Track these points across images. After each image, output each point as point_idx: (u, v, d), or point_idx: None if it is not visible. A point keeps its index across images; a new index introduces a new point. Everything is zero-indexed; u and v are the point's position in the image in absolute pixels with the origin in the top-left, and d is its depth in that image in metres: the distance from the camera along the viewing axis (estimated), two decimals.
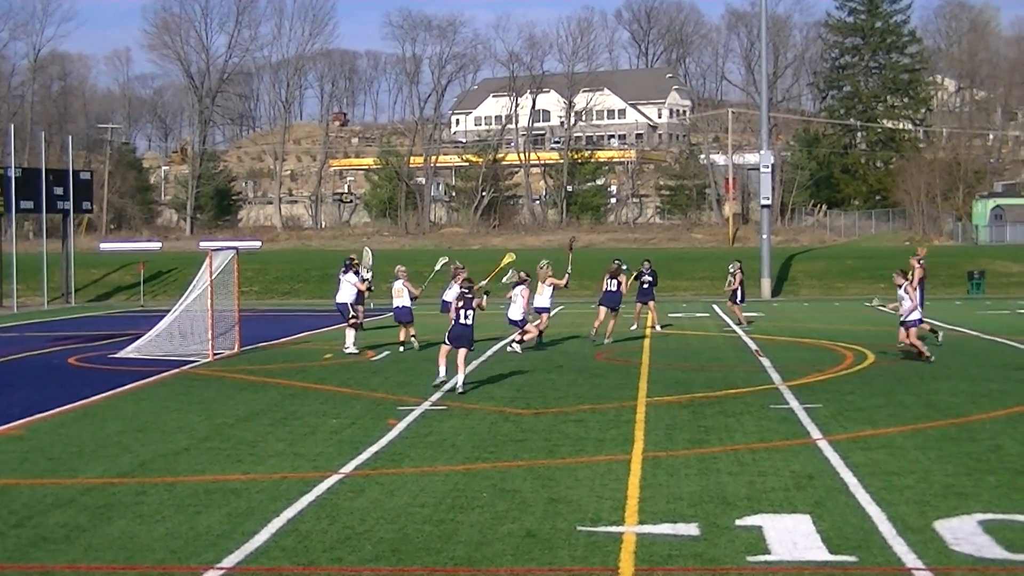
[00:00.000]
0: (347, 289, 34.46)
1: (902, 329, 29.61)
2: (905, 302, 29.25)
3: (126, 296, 71.33)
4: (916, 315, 29.33)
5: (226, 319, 34.74)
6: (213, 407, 23.40)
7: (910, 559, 12.01)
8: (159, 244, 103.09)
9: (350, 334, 34.07)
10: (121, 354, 33.46)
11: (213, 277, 33.64)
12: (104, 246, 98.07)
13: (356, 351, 33.49)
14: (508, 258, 37.69)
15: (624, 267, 37.20)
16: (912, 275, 33.54)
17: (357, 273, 34.68)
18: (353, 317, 34.30)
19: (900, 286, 29.62)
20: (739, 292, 41.30)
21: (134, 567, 12.13)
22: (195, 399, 24.61)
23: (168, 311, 36.41)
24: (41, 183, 63.84)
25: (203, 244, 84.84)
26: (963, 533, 12.96)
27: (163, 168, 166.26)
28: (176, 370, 29.68)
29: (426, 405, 23.00)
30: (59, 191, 65.71)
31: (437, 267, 36.41)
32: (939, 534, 12.93)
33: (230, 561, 12.26)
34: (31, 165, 75.35)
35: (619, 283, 36.59)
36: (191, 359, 31.78)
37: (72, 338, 40.62)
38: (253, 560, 12.34)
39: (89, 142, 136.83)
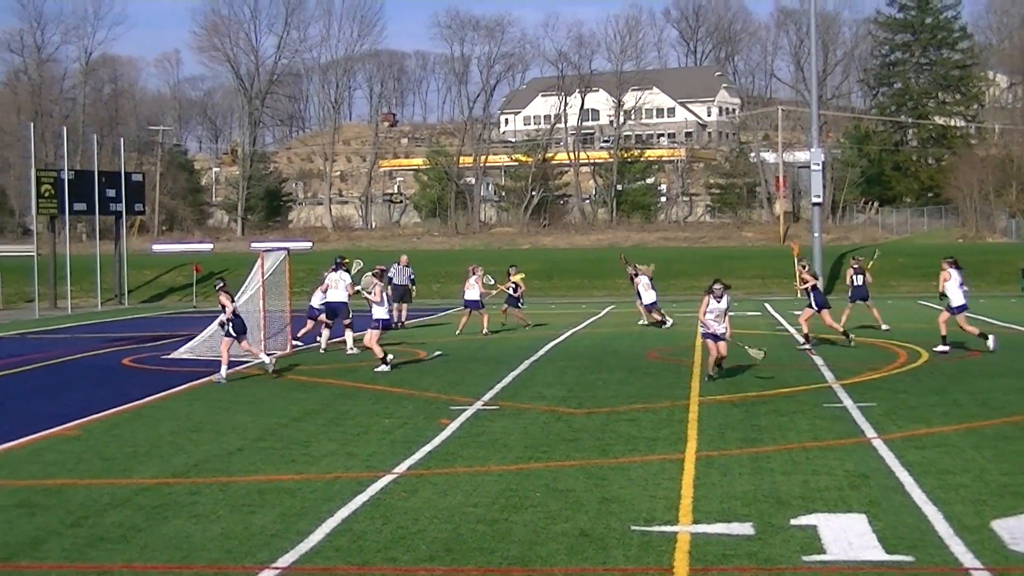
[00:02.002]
0: (343, 288, 34.38)
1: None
2: None
3: (178, 297, 71.67)
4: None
5: (278, 320, 34.85)
6: (265, 407, 23.49)
7: (967, 559, 11.93)
8: (210, 245, 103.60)
9: (349, 334, 34.42)
10: (174, 355, 33.63)
11: (265, 278, 33.73)
12: (156, 247, 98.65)
13: (356, 351, 33.70)
14: (518, 276, 39.30)
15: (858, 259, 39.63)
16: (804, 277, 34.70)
17: (349, 271, 34.65)
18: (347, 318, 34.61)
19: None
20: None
21: (189, 567, 12.18)
22: (248, 399, 24.71)
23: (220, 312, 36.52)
24: (94, 185, 64.28)
25: (254, 245, 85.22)
26: (1021, 533, 12.84)
27: (214, 169, 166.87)
28: (229, 370, 29.77)
29: (478, 405, 23.00)
30: (111, 193, 66.15)
31: (353, 270, 37.22)
32: (996, 534, 12.83)
33: (284, 561, 12.30)
34: (83, 167, 75.79)
35: (864, 276, 38.42)
36: (243, 359, 31.89)
37: (126, 339, 40.84)
38: (307, 560, 12.37)
39: (140, 144, 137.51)
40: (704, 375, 26.68)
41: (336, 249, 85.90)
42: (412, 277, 43.53)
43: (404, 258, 43.88)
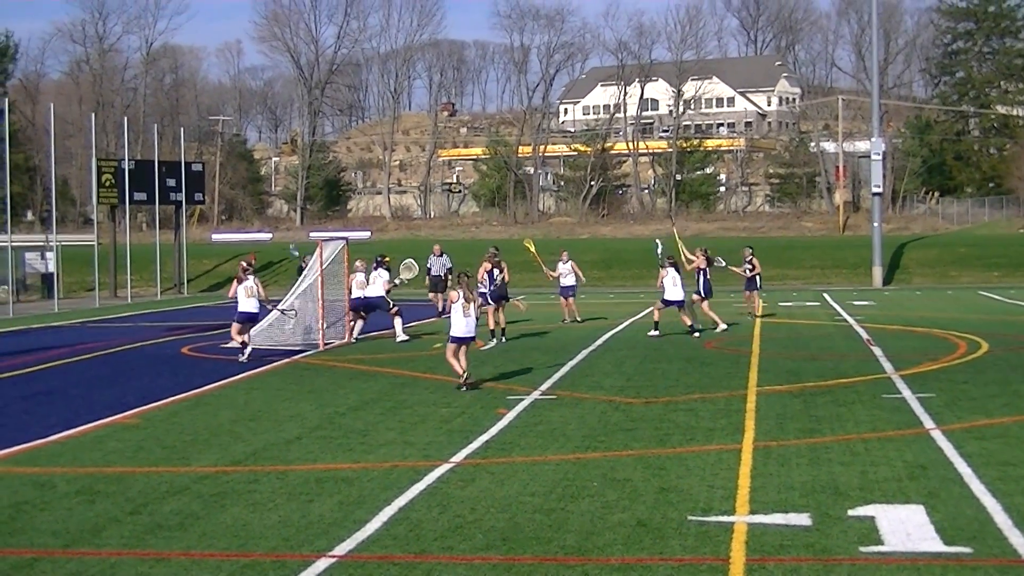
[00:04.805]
0: (380, 284, 34.81)
1: None
2: None
3: None
4: None
5: (336, 309, 34.98)
6: (324, 396, 23.57)
7: None
8: (270, 235, 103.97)
9: (398, 323, 34.62)
10: (233, 344, 33.77)
11: (324, 267, 33.88)
12: (216, 237, 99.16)
13: (407, 338, 33.98)
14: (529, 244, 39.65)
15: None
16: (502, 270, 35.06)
17: (389, 270, 35.18)
18: (395, 306, 34.82)
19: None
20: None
21: (247, 554, 12.24)
22: (306, 388, 24.81)
23: (279, 301, 36.67)
24: (154, 175, 64.75)
25: (313, 234, 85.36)
26: None
27: (273, 159, 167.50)
28: (287, 359, 29.94)
29: (536, 394, 23.00)
30: (171, 183, 66.63)
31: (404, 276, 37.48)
32: None
33: (342, 549, 12.34)
34: (144, 157, 76.44)
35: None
36: (302, 348, 32.05)
37: (185, 328, 41.08)
38: (365, 548, 12.40)
39: (200, 134, 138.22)
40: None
41: (395, 239, 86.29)
42: (449, 267, 43.69)
43: (438, 247, 44.36)
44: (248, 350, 29.90)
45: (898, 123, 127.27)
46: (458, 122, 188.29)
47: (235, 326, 30.74)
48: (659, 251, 36.17)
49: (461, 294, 23.80)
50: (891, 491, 14.38)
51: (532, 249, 39.75)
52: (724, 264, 40.45)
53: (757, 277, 39.83)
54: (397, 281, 35.67)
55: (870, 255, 66.83)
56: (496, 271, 34.01)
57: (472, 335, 23.89)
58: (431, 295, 43.23)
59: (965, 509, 13.45)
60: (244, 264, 31.49)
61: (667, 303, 34.55)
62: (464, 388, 23.61)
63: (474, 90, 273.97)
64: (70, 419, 20.96)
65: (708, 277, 36.21)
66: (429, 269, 42.07)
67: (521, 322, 37.72)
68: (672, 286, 34.30)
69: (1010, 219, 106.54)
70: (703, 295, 36.08)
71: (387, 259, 36.39)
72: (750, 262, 39.57)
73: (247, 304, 30.25)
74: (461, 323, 23.69)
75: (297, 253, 39.19)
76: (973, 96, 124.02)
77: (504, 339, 33.49)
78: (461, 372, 23.72)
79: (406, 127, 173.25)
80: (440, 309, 40.80)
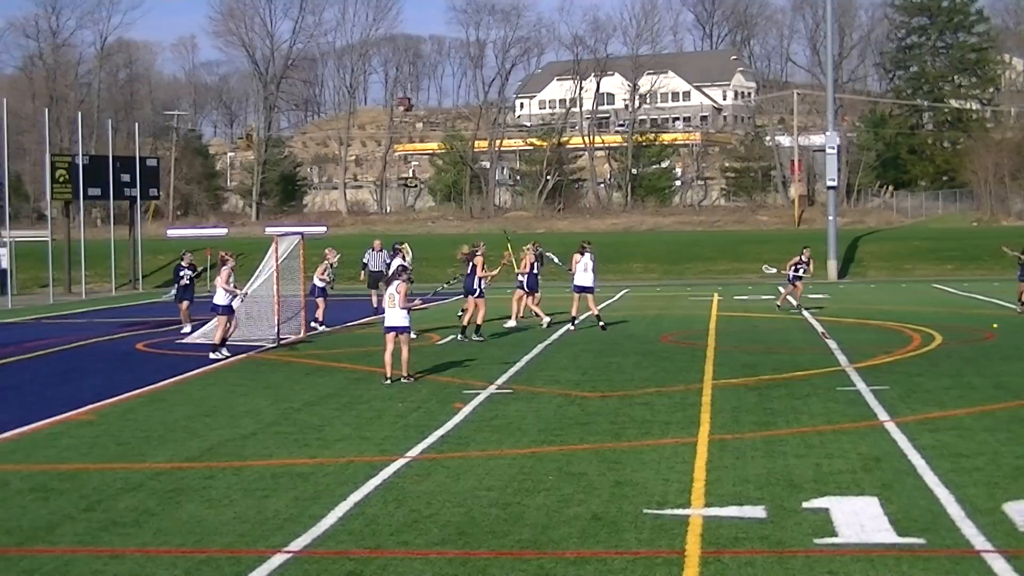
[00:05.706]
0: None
1: None
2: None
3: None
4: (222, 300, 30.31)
5: (292, 304, 34.87)
6: (280, 392, 23.52)
7: (979, 541, 11.92)
8: (225, 230, 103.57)
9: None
10: (188, 339, 33.69)
11: (279, 262, 33.77)
12: (171, 232, 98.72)
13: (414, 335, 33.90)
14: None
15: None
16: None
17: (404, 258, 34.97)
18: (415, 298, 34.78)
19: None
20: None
21: (203, 550, 12.21)
22: (262, 384, 24.74)
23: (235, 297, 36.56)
24: (109, 170, 64.34)
25: (269, 230, 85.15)
26: None
27: (229, 154, 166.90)
28: (243, 355, 29.85)
29: (492, 389, 23.03)
30: (126, 178, 66.20)
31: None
32: (1008, 516, 12.82)
33: (298, 544, 12.33)
34: (98, 152, 75.87)
35: None
36: (258, 344, 31.96)
37: (140, 324, 40.91)
38: (320, 544, 12.39)
39: (155, 129, 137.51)
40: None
41: (352, 234, 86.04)
42: (388, 262, 43.40)
43: (378, 243, 44.04)
44: (193, 337, 30.11)
45: (853, 117, 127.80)
46: (414, 117, 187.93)
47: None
48: (555, 261, 37.10)
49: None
50: (845, 483, 14.46)
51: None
52: (774, 269, 41.09)
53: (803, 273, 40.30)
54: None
55: (825, 249, 67.00)
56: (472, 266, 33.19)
57: (401, 325, 24.05)
58: (371, 292, 42.43)
59: (919, 500, 13.54)
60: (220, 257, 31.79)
61: (578, 289, 34.96)
62: (389, 382, 23.89)
63: (430, 85, 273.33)
64: (24, 416, 20.83)
65: (536, 272, 36.14)
66: (366, 264, 41.92)
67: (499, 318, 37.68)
68: (583, 272, 34.85)
69: (964, 212, 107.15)
70: (527, 289, 36.21)
71: (404, 245, 36.21)
72: (807, 261, 39.91)
73: (215, 297, 30.56)
74: (387, 313, 24.31)
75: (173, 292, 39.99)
76: (927, 90, 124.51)
77: (480, 336, 32.77)
78: (386, 364, 24.17)
79: (362, 122, 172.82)
80: (375, 306, 40.49)
